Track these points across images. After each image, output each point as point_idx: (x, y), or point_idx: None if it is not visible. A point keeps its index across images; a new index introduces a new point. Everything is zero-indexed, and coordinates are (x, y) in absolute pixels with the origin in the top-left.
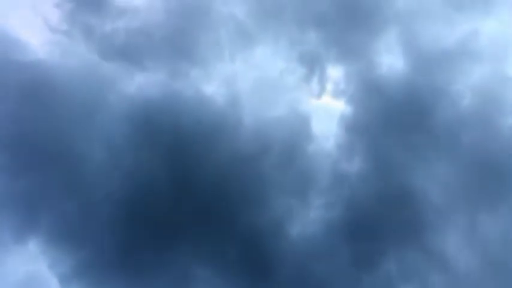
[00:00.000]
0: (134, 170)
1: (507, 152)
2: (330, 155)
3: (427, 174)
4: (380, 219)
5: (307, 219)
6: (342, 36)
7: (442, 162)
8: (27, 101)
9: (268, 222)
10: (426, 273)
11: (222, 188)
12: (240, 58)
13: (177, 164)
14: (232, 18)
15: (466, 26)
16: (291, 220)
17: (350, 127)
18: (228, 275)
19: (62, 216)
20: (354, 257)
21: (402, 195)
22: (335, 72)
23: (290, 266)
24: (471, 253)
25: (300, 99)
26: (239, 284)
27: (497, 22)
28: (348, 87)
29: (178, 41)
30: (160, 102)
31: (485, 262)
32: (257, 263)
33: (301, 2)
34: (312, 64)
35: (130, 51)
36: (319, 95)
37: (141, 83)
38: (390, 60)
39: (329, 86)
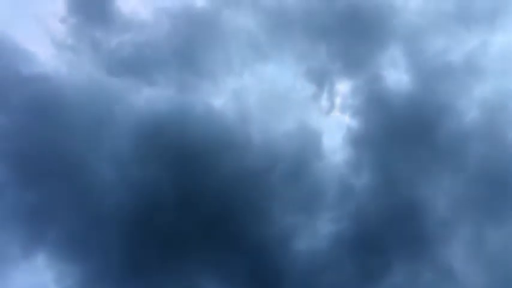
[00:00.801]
0: (142, 184)
1: None
2: (337, 169)
3: (433, 187)
4: (387, 232)
5: (314, 233)
6: (349, 50)
7: (448, 176)
8: (35, 115)
9: (276, 235)
10: (433, 286)
11: (230, 201)
12: (249, 72)
13: (185, 178)
14: (241, 31)
15: (472, 40)
16: (299, 234)
17: (357, 141)
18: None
19: (69, 230)
20: (361, 270)
21: (409, 208)
22: (342, 87)
23: (297, 279)
24: (478, 266)
25: (309, 114)
26: None
27: (503, 37)
28: (355, 102)
29: (186, 55)
30: (169, 116)
31: (492, 275)
32: (264, 276)
33: (309, 16)
34: (322, 80)
35: (137, 65)
36: (329, 112)
37: (149, 97)
38: (397, 74)
39: (337, 101)
